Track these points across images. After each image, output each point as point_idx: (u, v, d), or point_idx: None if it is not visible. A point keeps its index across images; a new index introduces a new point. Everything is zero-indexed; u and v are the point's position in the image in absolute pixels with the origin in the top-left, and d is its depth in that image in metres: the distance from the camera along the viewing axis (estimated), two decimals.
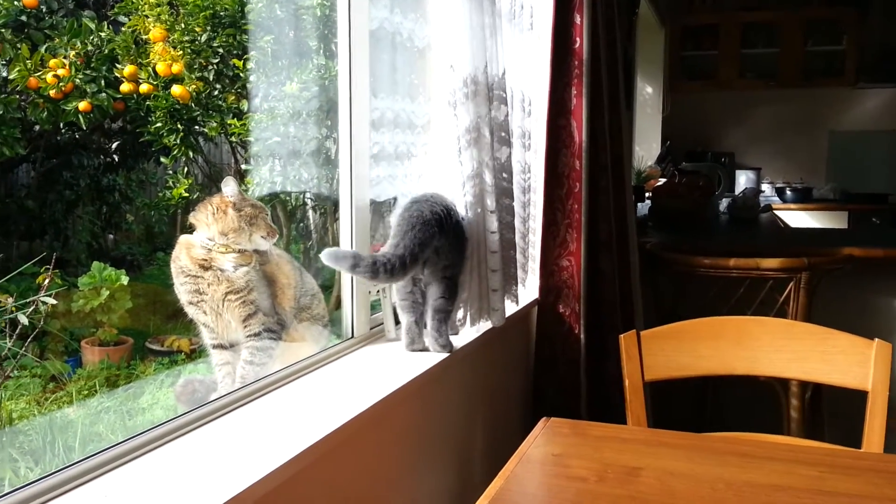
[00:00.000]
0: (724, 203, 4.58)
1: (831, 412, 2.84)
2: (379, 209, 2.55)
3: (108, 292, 2.91)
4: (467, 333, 1.95)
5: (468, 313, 1.93)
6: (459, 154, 1.84)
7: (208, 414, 1.31)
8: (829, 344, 1.64)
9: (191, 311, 1.51)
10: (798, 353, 1.66)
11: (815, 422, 2.82)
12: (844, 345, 1.62)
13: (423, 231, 1.70)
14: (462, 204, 1.87)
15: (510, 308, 2.19)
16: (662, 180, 4.41)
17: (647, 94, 6.18)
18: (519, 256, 2.35)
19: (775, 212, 5.32)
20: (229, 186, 1.51)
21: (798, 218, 5.87)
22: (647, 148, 5.95)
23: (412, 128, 2.14)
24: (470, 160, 1.86)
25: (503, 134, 2.06)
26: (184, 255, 1.49)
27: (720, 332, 1.73)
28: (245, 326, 1.51)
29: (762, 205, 4.74)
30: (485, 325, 2.00)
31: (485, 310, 1.97)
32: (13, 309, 2.06)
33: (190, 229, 1.54)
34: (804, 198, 6.11)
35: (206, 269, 1.48)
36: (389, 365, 1.66)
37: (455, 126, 1.84)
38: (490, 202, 1.92)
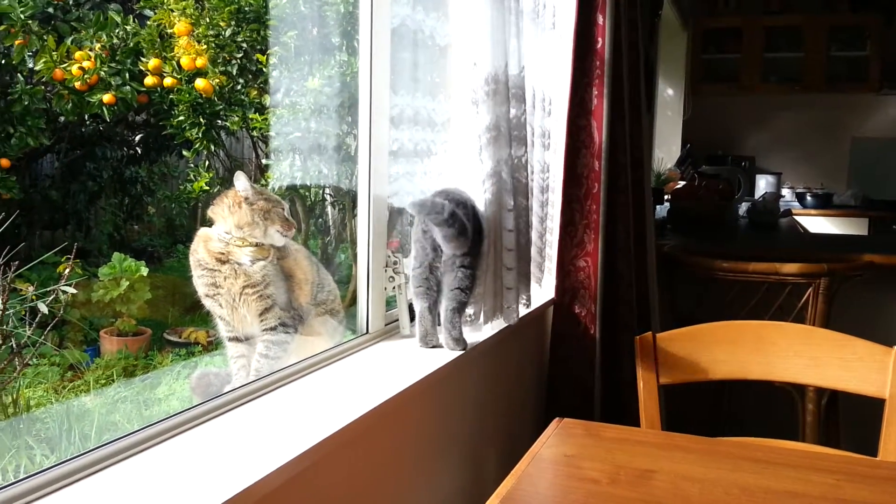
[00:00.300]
0: (743, 207, 4.55)
1: (848, 419, 2.82)
2: (396, 207, 2.56)
3: (127, 283, 2.94)
4: (482, 331, 1.95)
5: (482, 310, 1.93)
6: (480, 152, 1.85)
7: (223, 405, 1.31)
8: (847, 350, 1.62)
9: (207, 304, 1.52)
10: (816, 359, 1.65)
11: (830, 428, 2.80)
12: (863, 352, 1.61)
13: (463, 208, 1.75)
14: (482, 201, 1.87)
15: (525, 307, 2.19)
16: (682, 183, 4.39)
17: (669, 97, 6.15)
18: (536, 256, 2.35)
19: (795, 217, 5.28)
20: (240, 181, 1.52)
21: (818, 223, 5.82)
22: (667, 150, 5.92)
23: (432, 125, 2.14)
24: (489, 158, 1.86)
25: (522, 133, 2.06)
26: (201, 248, 1.50)
27: (737, 336, 1.72)
28: (261, 320, 1.52)
29: (782, 209, 4.71)
30: (498, 324, 1.99)
31: (499, 308, 1.97)
32: (33, 297, 2.08)
33: (209, 223, 1.55)
34: (824, 203, 6.06)
35: (223, 262, 1.49)
36: (404, 361, 1.66)
37: (476, 124, 1.85)
38: (508, 200, 1.92)
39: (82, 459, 1.06)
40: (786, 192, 6.43)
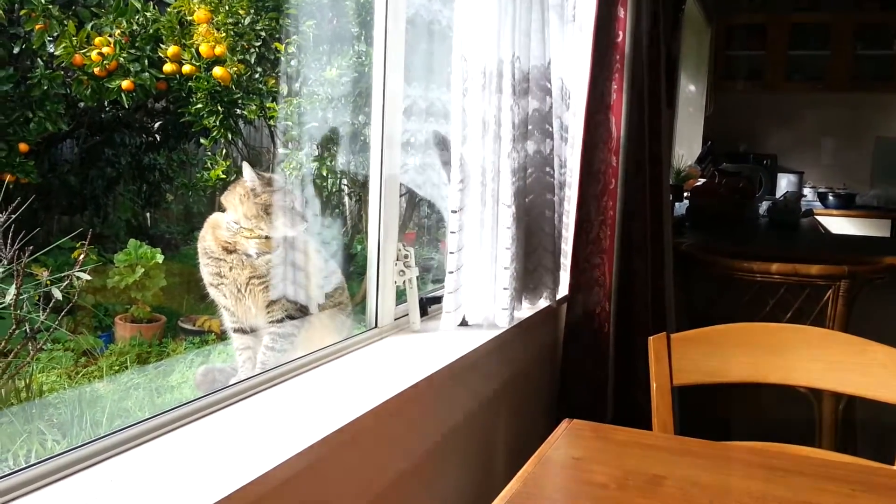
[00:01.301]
0: (764, 206, 4.50)
1: (866, 424, 2.78)
2: (413, 199, 2.54)
3: (142, 270, 2.94)
4: (488, 330, 1.92)
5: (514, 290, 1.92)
6: (462, 143, 1.81)
7: (230, 397, 1.31)
8: (866, 355, 1.59)
9: (212, 293, 1.51)
10: (834, 363, 1.62)
11: (847, 433, 2.76)
12: (882, 357, 1.57)
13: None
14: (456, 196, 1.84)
15: (536, 306, 2.17)
16: (702, 180, 4.34)
17: (691, 93, 6.08)
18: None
19: (816, 217, 5.22)
20: (247, 172, 1.50)
21: (839, 224, 5.75)
22: (687, 147, 5.86)
23: (447, 117, 2.11)
24: (479, 151, 1.85)
25: (548, 126, 2.03)
26: (209, 235, 1.49)
27: (754, 338, 1.68)
28: (268, 312, 1.50)
29: (803, 209, 4.65)
30: (501, 324, 1.97)
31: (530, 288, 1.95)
32: (48, 283, 2.09)
33: (222, 209, 1.54)
34: (847, 204, 5.99)
35: (229, 252, 1.47)
36: (413, 357, 1.64)
37: (461, 118, 1.81)
38: (487, 199, 1.90)
39: (92, 447, 1.06)
40: (807, 191, 6.35)
